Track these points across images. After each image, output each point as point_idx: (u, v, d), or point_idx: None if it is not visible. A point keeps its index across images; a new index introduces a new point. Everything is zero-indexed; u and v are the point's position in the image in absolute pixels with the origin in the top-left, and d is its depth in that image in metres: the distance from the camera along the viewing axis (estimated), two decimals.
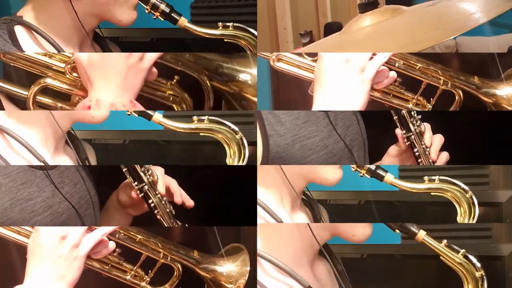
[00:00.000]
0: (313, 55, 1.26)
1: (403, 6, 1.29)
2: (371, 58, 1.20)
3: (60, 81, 1.21)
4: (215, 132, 1.25)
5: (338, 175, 1.23)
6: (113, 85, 1.16)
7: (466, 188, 1.27)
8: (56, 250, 1.14)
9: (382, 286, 1.90)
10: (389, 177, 1.25)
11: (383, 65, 1.21)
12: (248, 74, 1.30)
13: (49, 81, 1.21)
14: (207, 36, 1.25)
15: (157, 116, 1.23)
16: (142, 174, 1.25)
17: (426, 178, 1.27)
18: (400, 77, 1.27)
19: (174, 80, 1.29)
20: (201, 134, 1.25)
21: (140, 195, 1.25)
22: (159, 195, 1.26)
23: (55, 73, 1.21)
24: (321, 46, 1.41)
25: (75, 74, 1.20)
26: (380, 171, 1.25)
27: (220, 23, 1.26)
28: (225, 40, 1.26)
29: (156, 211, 1.27)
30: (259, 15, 1.80)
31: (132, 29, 1.96)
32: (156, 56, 1.20)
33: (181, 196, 1.29)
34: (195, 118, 1.25)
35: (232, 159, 1.26)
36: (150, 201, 1.26)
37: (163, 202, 1.27)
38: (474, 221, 1.27)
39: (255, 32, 1.28)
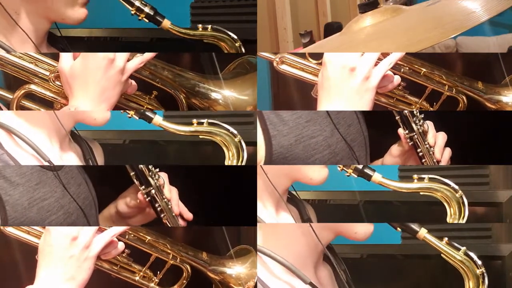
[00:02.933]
0: (318, 57, 1.26)
1: (403, 5, 1.29)
2: (377, 63, 1.19)
3: (44, 88, 1.25)
4: (214, 135, 1.27)
5: (323, 174, 1.22)
6: (92, 95, 1.20)
7: (456, 187, 1.25)
8: (67, 251, 1.14)
9: (382, 286, 1.90)
10: (377, 176, 1.24)
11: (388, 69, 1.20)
12: (220, 94, 1.35)
13: (33, 87, 1.24)
14: (187, 37, 1.33)
15: (157, 118, 1.26)
16: (150, 178, 1.26)
17: (415, 176, 1.26)
18: (404, 80, 1.27)
19: (153, 95, 1.33)
20: (200, 136, 1.27)
21: (147, 199, 1.26)
22: (165, 200, 1.27)
23: (40, 80, 1.25)
24: (322, 47, 1.41)
25: (58, 83, 1.24)
26: (367, 170, 1.23)
27: (200, 25, 1.33)
28: (204, 41, 1.34)
29: (162, 215, 1.28)
30: (259, 15, 1.80)
31: (132, 29, 1.96)
32: (134, 68, 1.24)
33: (178, 207, 1.30)
34: (194, 121, 1.27)
35: (231, 161, 1.27)
36: (157, 205, 1.27)
37: (169, 206, 1.28)
38: (464, 221, 1.26)
39: (232, 35, 1.35)
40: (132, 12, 1.27)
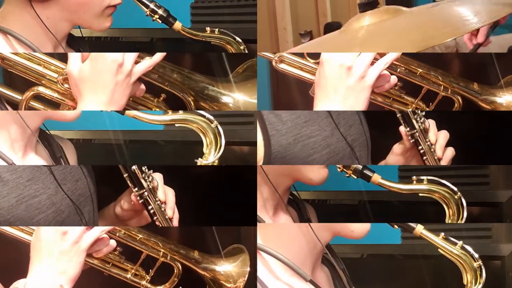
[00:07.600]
0: (315, 57, 1.26)
1: (403, 7, 1.29)
2: (373, 62, 1.20)
3: (52, 90, 1.25)
4: (191, 122, 1.27)
5: (323, 175, 1.22)
6: (101, 99, 1.21)
7: (455, 189, 1.26)
8: (57, 246, 1.15)
9: (382, 286, 1.91)
10: (376, 178, 1.24)
11: (385, 69, 1.21)
12: (230, 97, 1.36)
13: (41, 89, 1.25)
14: (196, 38, 1.37)
15: (131, 110, 1.26)
16: (142, 180, 1.25)
17: (414, 178, 1.26)
18: (401, 81, 1.27)
19: (161, 98, 1.34)
20: (176, 125, 1.27)
21: (140, 201, 1.26)
22: (158, 202, 1.27)
23: (48, 81, 1.25)
24: (321, 46, 1.41)
25: (66, 85, 1.25)
26: (367, 171, 1.24)
27: (208, 28, 1.38)
28: (212, 43, 1.39)
29: (155, 218, 1.27)
30: (259, 15, 1.81)
31: (132, 29, 1.97)
32: (142, 71, 1.25)
33: (173, 210, 1.30)
34: (169, 110, 1.27)
35: (209, 148, 1.27)
36: (149, 207, 1.27)
37: (162, 209, 1.28)
38: (463, 222, 1.27)
39: (237, 38, 1.39)
40: (146, 14, 1.32)
